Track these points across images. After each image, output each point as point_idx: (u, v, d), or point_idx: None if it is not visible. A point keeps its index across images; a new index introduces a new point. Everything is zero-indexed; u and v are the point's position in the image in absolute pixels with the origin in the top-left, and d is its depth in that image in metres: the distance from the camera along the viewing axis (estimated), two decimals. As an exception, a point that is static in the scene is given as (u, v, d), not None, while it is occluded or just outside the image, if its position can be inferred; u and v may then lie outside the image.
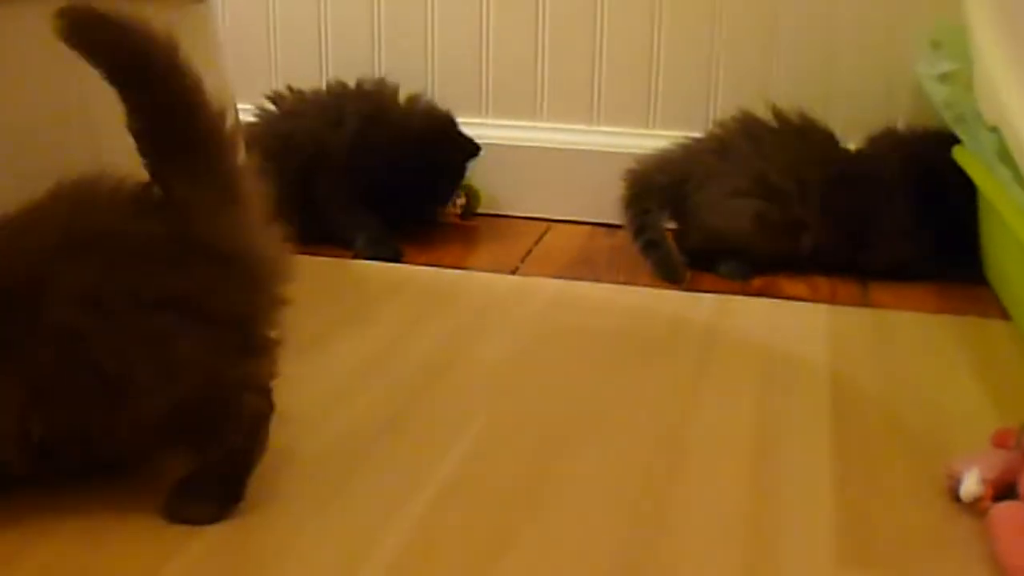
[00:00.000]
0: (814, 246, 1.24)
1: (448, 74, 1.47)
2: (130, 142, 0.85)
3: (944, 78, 1.20)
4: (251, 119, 1.38)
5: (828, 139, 1.28)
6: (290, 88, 1.41)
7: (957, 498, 0.74)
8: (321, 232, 1.30)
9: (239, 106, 1.00)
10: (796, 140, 1.27)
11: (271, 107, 1.39)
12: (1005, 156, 1.01)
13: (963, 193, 1.19)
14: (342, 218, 1.32)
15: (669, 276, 1.24)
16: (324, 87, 1.41)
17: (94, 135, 0.85)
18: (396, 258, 1.28)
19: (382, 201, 1.33)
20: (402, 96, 1.39)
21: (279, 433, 0.83)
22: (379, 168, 1.32)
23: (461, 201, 1.43)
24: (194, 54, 0.91)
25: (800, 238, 1.24)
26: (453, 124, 1.39)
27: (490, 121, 1.46)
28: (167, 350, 0.69)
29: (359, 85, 1.39)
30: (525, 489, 0.76)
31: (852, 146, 1.29)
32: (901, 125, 1.33)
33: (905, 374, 0.97)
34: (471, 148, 1.38)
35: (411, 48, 1.48)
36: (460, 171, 1.40)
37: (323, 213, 1.32)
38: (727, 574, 0.67)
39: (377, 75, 1.46)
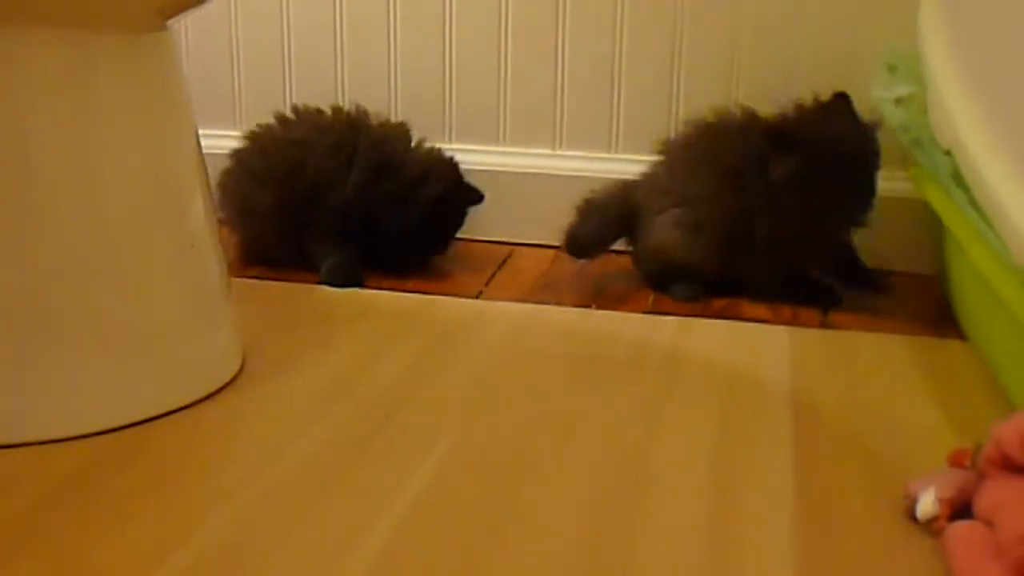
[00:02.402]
0: (725, 232, 1.25)
1: (411, 100, 1.48)
2: (70, 180, 0.85)
3: (900, 101, 1.22)
4: (253, 137, 1.38)
5: (731, 131, 1.28)
6: (297, 110, 1.40)
7: (914, 517, 0.75)
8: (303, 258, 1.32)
9: (201, 132, 1.00)
10: (700, 141, 1.29)
11: (279, 128, 1.38)
12: (960, 179, 1.03)
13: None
14: (313, 245, 1.32)
15: (573, 250, 1.32)
16: (343, 111, 1.39)
17: (32, 172, 0.85)
18: (355, 286, 1.28)
19: (376, 247, 1.33)
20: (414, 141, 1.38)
21: (246, 457, 0.84)
22: (381, 221, 1.32)
23: None
24: (156, 81, 0.92)
25: (707, 233, 1.25)
26: (459, 178, 1.38)
27: (453, 146, 1.46)
28: None
29: (375, 124, 1.38)
30: (489, 514, 0.76)
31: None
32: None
33: (865, 394, 0.99)
34: (474, 198, 1.39)
35: (375, 74, 1.49)
36: (459, 222, 1.39)
37: (301, 239, 1.33)
38: (689, 596, 0.68)
39: (353, 105, 1.47)
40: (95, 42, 0.86)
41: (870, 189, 1.25)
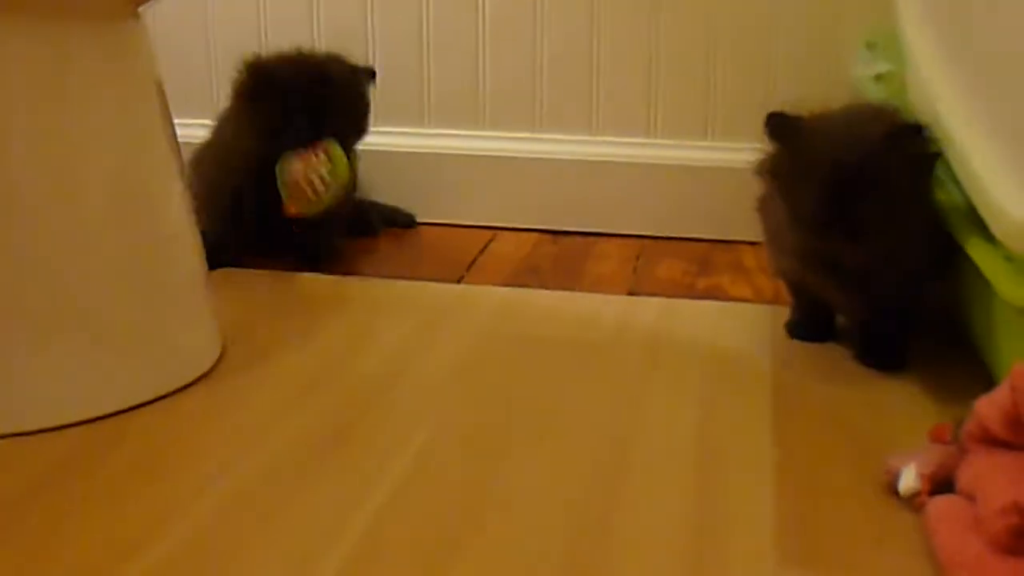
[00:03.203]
0: None
1: (389, 84, 1.47)
2: (44, 171, 0.85)
3: (880, 79, 1.21)
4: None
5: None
6: None
7: (896, 493, 0.75)
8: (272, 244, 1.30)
9: (177, 122, 0.99)
10: None
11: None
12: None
13: None
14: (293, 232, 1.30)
15: None
16: None
17: (5, 163, 0.84)
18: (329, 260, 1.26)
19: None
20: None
21: (225, 445, 0.83)
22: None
23: (323, 169, 1.21)
24: (128, 70, 0.91)
25: None
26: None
27: (433, 131, 1.46)
28: None
29: None
30: (472, 499, 0.76)
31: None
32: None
33: (846, 371, 0.99)
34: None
35: (353, 58, 1.48)
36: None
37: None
38: (671, 576, 0.68)
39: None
40: (66, 31, 0.86)
41: None
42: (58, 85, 0.86)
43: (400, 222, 1.46)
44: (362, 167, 1.47)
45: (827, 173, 0.94)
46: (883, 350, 1.02)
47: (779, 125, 0.98)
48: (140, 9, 0.93)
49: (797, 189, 0.97)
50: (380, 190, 1.47)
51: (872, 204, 0.93)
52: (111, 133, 0.89)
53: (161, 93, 0.96)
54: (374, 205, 1.46)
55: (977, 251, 0.92)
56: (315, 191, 1.20)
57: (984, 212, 0.90)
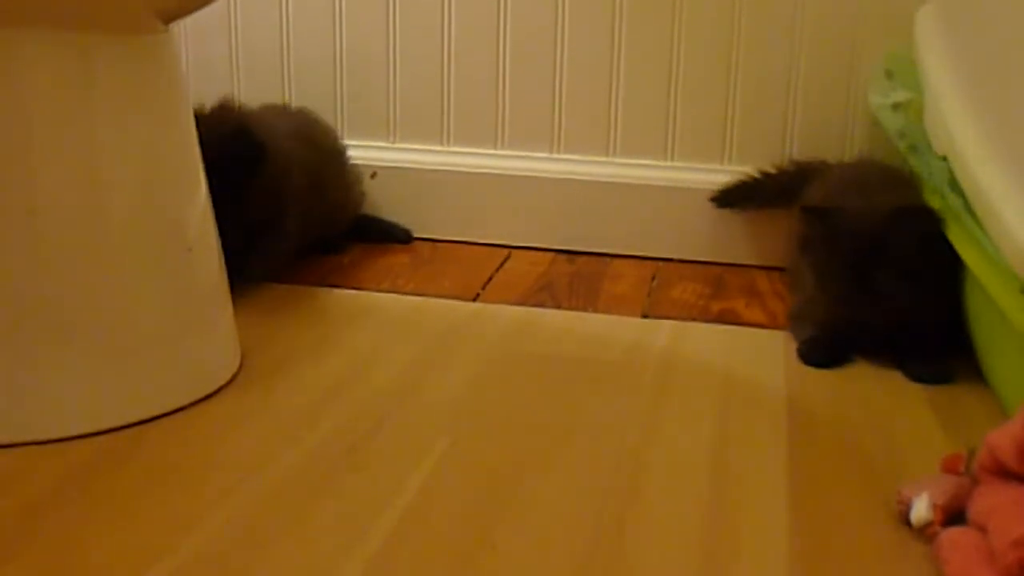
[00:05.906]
0: None
1: (409, 103, 1.48)
2: (69, 182, 0.85)
3: (897, 107, 1.22)
4: None
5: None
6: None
7: (908, 523, 0.75)
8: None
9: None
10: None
11: None
12: (955, 185, 1.03)
13: None
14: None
15: None
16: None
17: (32, 173, 0.85)
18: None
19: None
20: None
21: (242, 458, 0.84)
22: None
23: None
24: (156, 84, 0.92)
25: None
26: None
27: (452, 149, 1.47)
28: None
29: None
30: (485, 517, 0.77)
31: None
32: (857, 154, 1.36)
33: (859, 400, 0.99)
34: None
35: (373, 77, 1.49)
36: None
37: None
38: (683, 600, 0.68)
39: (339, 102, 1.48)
40: (95, 44, 0.87)
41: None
42: (84, 98, 0.86)
43: (397, 237, 1.47)
44: (380, 183, 1.48)
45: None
46: (930, 362, 1.06)
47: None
48: (169, 24, 0.94)
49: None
50: (397, 206, 1.48)
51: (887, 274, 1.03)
52: (136, 146, 0.90)
53: (187, 106, 0.97)
54: (369, 220, 1.47)
55: (991, 282, 0.92)
56: None
57: (999, 241, 0.90)
